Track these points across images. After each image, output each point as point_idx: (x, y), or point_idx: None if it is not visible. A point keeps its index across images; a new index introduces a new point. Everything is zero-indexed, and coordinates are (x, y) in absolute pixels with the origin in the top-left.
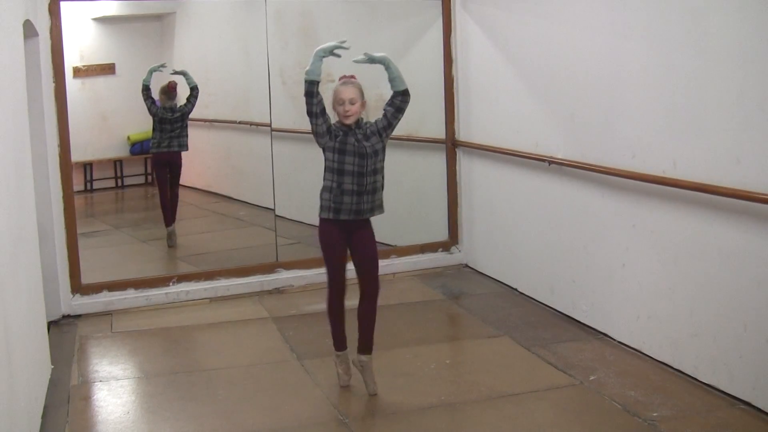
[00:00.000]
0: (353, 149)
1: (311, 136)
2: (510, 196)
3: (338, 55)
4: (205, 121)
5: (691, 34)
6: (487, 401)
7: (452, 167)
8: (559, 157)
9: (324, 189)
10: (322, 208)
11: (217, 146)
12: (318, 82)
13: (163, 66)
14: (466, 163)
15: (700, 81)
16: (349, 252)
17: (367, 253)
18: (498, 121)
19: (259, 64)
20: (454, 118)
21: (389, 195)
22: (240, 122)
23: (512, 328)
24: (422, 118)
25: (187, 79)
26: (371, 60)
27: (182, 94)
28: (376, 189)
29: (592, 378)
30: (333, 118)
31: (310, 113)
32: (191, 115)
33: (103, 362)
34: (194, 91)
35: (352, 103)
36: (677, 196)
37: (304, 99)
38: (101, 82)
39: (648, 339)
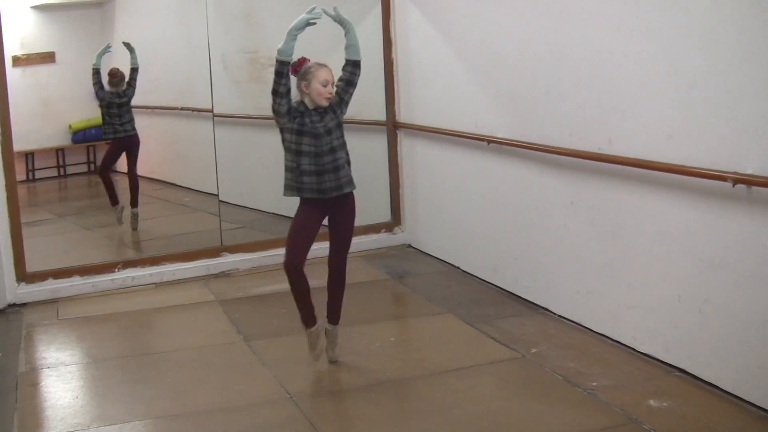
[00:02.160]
0: (309, 129)
1: (252, 121)
2: (451, 176)
3: (314, 23)
4: (148, 107)
5: (625, 13)
6: (433, 377)
7: (394, 149)
8: (499, 136)
9: (286, 168)
10: (285, 187)
11: (160, 133)
12: (290, 62)
13: (109, 47)
14: (407, 145)
15: (634, 60)
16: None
17: (340, 230)
18: (438, 103)
19: (201, 49)
20: (394, 100)
21: None
22: (182, 108)
23: (456, 306)
24: (363, 100)
25: (132, 58)
26: (338, 18)
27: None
28: (338, 167)
29: (533, 351)
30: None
31: (275, 92)
32: (134, 101)
33: (50, 349)
34: (134, 72)
35: (334, 85)
36: (613, 172)
37: (272, 77)
38: (42, 70)
39: (588, 312)
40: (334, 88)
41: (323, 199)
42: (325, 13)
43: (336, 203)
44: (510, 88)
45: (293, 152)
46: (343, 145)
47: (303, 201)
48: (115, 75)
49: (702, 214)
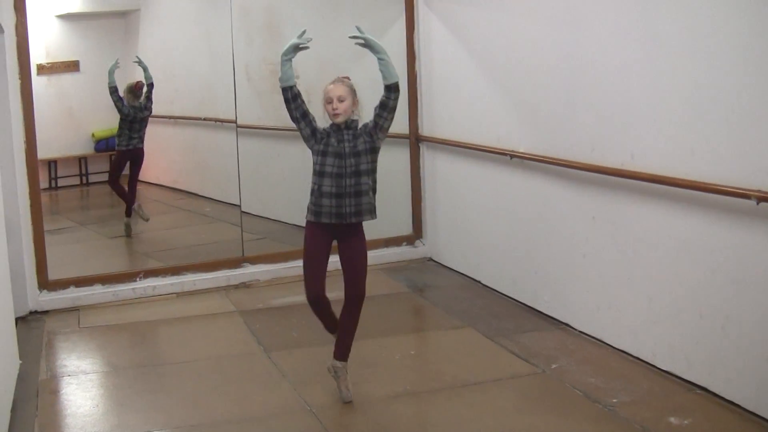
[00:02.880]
0: (333, 150)
1: (275, 132)
2: (473, 190)
3: (306, 47)
4: (171, 117)
5: (647, 29)
6: (451, 390)
7: (415, 162)
8: (521, 150)
9: (311, 192)
10: (307, 210)
11: (182, 142)
12: (292, 86)
13: (117, 64)
14: (429, 158)
15: (656, 75)
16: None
17: (353, 261)
18: (460, 116)
19: (224, 60)
20: (417, 114)
21: None
22: (205, 119)
23: (475, 319)
24: None
25: (145, 75)
26: (366, 43)
27: None
28: (361, 192)
29: (553, 366)
30: (325, 120)
31: (292, 119)
32: (156, 111)
33: (71, 357)
34: (150, 88)
35: (340, 100)
36: (635, 188)
37: (283, 102)
38: (66, 79)
39: (608, 328)
40: (345, 104)
41: (331, 224)
42: (351, 37)
43: (346, 231)
44: (532, 102)
45: (317, 174)
46: (372, 171)
47: (315, 226)
48: (139, 88)
49: (725, 231)
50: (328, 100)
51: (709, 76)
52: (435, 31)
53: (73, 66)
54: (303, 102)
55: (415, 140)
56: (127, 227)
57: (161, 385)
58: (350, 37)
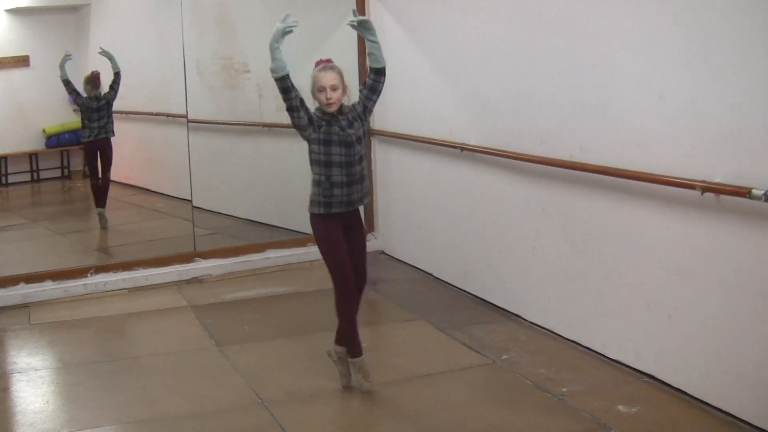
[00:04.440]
0: (339, 139)
1: (226, 127)
2: (425, 183)
3: (291, 31)
4: (122, 112)
5: (595, 23)
6: (404, 382)
7: (368, 156)
8: (472, 144)
9: (313, 183)
10: (312, 203)
11: (134, 138)
12: (288, 74)
13: (69, 56)
14: (381, 152)
15: (605, 69)
16: None
17: (362, 250)
18: (412, 110)
19: (176, 55)
20: None
21: (304, 184)
22: (157, 113)
23: (428, 312)
24: None
25: (112, 64)
26: (363, 24)
27: (105, 81)
28: (364, 177)
29: (504, 357)
30: (311, 106)
31: (290, 108)
32: None
33: (21, 354)
34: (117, 77)
35: (334, 89)
36: (584, 180)
37: (281, 96)
38: (15, 74)
39: (558, 319)
40: (338, 93)
41: (340, 213)
42: (350, 22)
43: (350, 217)
44: (483, 95)
45: (322, 164)
46: (365, 153)
47: (326, 218)
48: (91, 80)
49: (671, 222)
50: (320, 89)
51: (656, 70)
52: (387, 27)
53: (22, 61)
54: (298, 91)
55: (368, 134)
56: (102, 218)
57: (113, 382)
58: (349, 23)
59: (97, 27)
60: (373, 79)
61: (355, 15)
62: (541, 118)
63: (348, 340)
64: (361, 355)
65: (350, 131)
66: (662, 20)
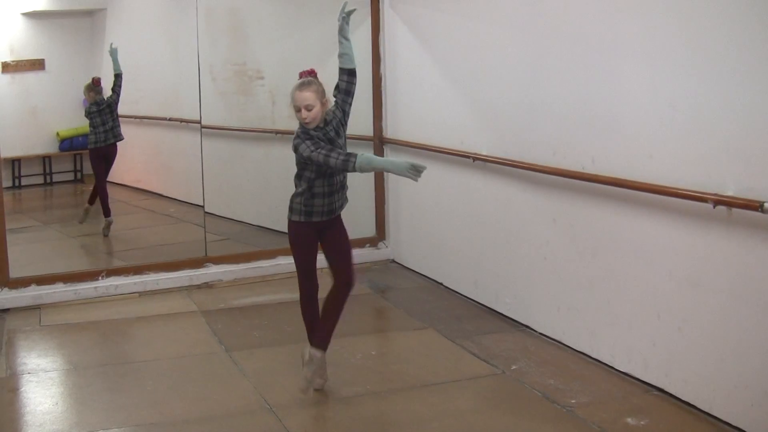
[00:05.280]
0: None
1: (239, 133)
2: (436, 192)
3: (353, 10)
4: (135, 117)
5: (607, 34)
6: (412, 390)
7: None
8: (484, 153)
9: (296, 194)
10: (293, 210)
11: (146, 143)
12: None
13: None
14: None
15: (616, 80)
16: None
17: (342, 248)
18: (425, 119)
19: (190, 60)
20: (381, 116)
21: None
22: (170, 119)
23: (437, 321)
24: (350, 115)
25: (114, 65)
26: (345, 22)
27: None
28: (344, 185)
29: (513, 367)
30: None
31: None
32: (121, 111)
33: (31, 355)
34: (118, 79)
35: (308, 109)
36: (595, 191)
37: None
38: (31, 77)
39: (567, 330)
40: (314, 111)
41: (322, 221)
42: (345, 12)
43: (330, 222)
44: (495, 106)
45: (305, 178)
46: None
47: (300, 225)
48: (93, 86)
49: (682, 234)
50: (296, 109)
51: (668, 81)
52: (400, 35)
53: (38, 64)
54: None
55: (380, 142)
56: (106, 227)
57: (122, 384)
58: (340, 16)
59: (112, 32)
60: (347, 81)
61: (344, 8)
62: (553, 129)
63: (314, 330)
64: (321, 348)
65: (339, 141)
66: (673, 30)
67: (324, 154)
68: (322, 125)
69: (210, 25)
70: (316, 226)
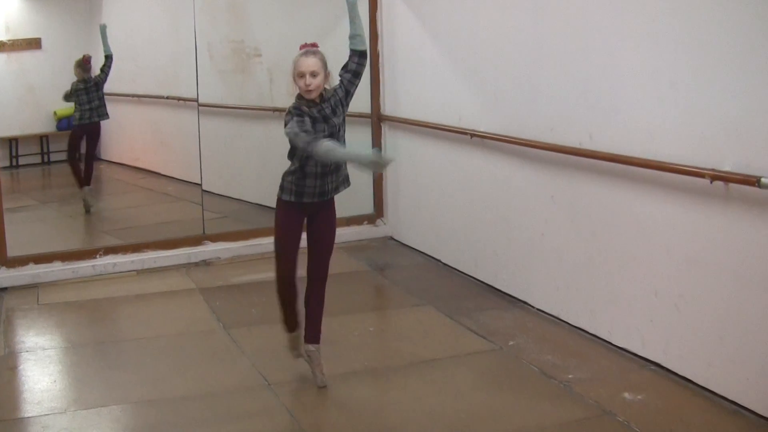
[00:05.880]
0: (323, 135)
1: (237, 111)
2: (434, 169)
3: None
4: (133, 96)
5: (606, 12)
6: (410, 367)
7: (378, 142)
8: (481, 130)
9: (287, 172)
10: (283, 189)
11: (144, 121)
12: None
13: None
14: (391, 138)
15: (615, 56)
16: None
17: (324, 240)
18: (422, 97)
19: (187, 38)
20: (379, 94)
21: None
22: (168, 97)
23: (435, 298)
24: None
25: (104, 46)
26: (351, 4)
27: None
28: (340, 166)
29: (511, 344)
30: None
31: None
32: (119, 90)
33: (29, 333)
34: (108, 60)
35: (313, 76)
36: (593, 168)
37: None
38: (27, 56)
39: (565, 306)
40: (318, 79)
41: (315, 202)
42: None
43: (321, 206)
44: (493, 82)
45: (297, 156)
46: (344, 140)
47: (287, 204)
48: (82, 63)
49: (680, 211)
50: (300, 75)
51: (666, 58)
52: (398, 11)
53: (34, 44)
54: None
55: (378, 120)
56: (85, 203)
57: (120, 362)
58: None
59: (109, 10)
60: (357, 62)
61: None
62: (552, 106)
63: (289, 319)
64: (316, 342)
65: (334, 120)
66: (672, 8)
67: (294, 132)
68: (318, 101)
69: (208, 2)
70: (305, 207)
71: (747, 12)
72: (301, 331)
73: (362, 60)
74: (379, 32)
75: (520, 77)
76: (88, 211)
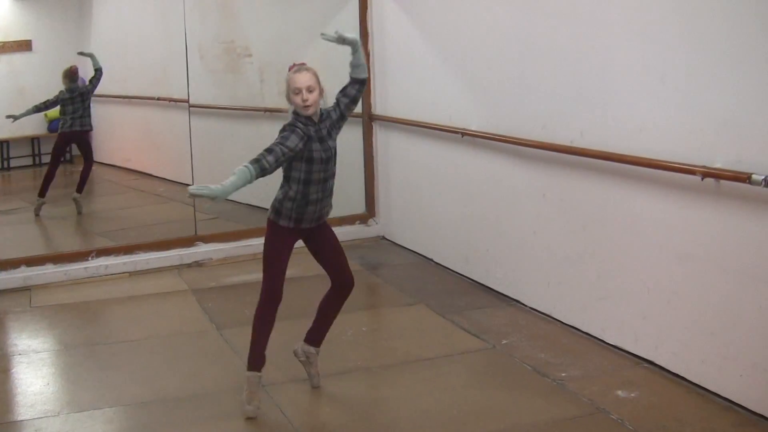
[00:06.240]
0: (319, 156)
1: (228, 111)
2: (425, 168)
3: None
4: (124, 97)
5: (596, 7)
6: (403, 365)
7: (369, 141)
8: (473, 129)
9: (286, 198)
10: (280, 214)
11: (135, 122)
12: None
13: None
14: (382, 137)
15: (606, 54)
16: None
17: (336, 249)
18: (413, 95)
19: (178, 39)
20: (370, 93)
21: None
22: (158, 98)
23: (428, 297)
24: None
25: (93, 61)
26: (341, 39)
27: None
28: (332, 191)
29: (504, 342)
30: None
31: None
32: (110, 91)
33: (22, 336)
34: (98, 73)
35: (310, 91)
36: (584, 165)
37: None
38: (18, 58)
39: (558, 304)
40: (315, 94)
41: (311, 227)
42: (323, 36)
43: (316, 226)
44: (484, 81)
45: (301, 182)
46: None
47: (284, 229)
48: (69, 74)
49: (671, 207)
50: (296, 91)
51: (657, 56)
52: (388, 10)
53: (25, 45)
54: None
55: (369, 119)
56: (36, 209)
57: (113, 363)
58: (321, 35)
59: (99, 11)
60: (358, 90)
61: (336, 33)
62: (543, 103)
63: (255, 351)
64: (318, 346)
65: (330, 144)
66: (664, 5)
67: (275, 143)
68: (316, 120)
69: (198, 2)
70: (302, 232)
71: (738, 9)
72: (264, 371)
73: (362, 87)
74: (369, 31)
75: (511, 75)
76: (38, 214)
